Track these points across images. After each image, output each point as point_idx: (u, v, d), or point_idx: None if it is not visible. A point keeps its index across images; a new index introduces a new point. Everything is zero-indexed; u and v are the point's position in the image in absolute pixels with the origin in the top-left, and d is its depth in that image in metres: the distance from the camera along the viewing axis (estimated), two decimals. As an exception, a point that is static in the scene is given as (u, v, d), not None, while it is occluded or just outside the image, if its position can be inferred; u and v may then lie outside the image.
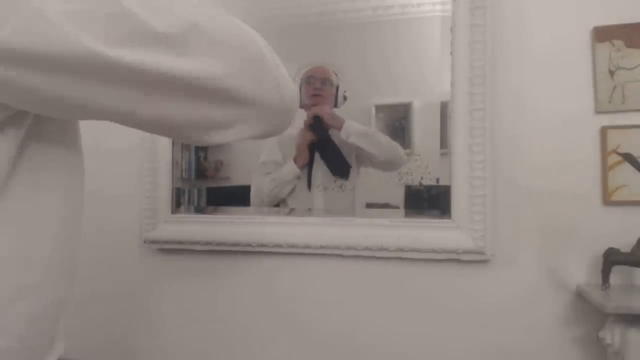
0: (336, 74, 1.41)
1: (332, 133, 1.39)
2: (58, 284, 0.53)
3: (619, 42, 1.14)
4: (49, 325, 0.53)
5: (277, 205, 1.42)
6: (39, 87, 0.40)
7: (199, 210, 1.47)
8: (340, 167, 1.39)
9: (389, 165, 1.37)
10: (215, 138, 0.51)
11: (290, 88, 0.59)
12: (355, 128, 1.36)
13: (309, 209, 1.39)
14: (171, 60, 0.43)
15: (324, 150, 1.40)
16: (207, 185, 1.51)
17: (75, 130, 0.55)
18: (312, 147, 1.40)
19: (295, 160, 1.40)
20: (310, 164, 1.40)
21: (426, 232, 1.21)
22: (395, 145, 1.34)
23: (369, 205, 1.39)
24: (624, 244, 1.08)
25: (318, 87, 1.40)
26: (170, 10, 0.43)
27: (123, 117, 0.47)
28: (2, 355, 0.47)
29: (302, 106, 1.40)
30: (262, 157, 1.45)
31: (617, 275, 1.10)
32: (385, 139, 1.35)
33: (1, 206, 0.45)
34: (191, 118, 0.48)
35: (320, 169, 1.41)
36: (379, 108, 1.38)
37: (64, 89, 0.41)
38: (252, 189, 1.44)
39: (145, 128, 0.50)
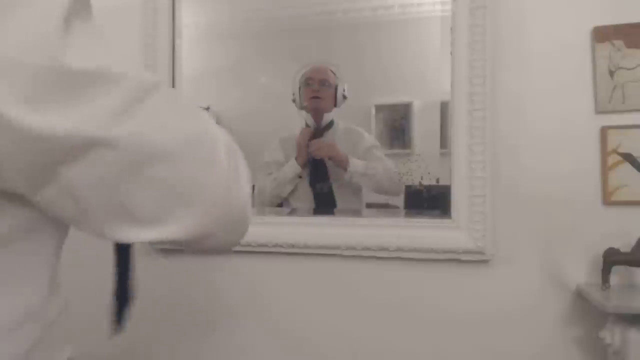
0: (335, 74, 1.41)
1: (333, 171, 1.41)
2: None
3: (619, 42, 1.14)
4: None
5: (280, 205, 1.43)
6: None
7: (199, 210, 1.47)
8: (319, 180, 1.40)
9: (383, 193, 1.39)
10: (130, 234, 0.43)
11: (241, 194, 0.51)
12: (358, 168, 1.37)
13: (312, 208, 1.39)
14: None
15: (314, 168, 1.41)
16: (207, 185, 1.50)
17: None
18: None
19: (296, 159, 1.41)
20: (313, 165, 1.41)
21: (426, 232, 1.21)
22: (396, 182, 1.34)
23: (369, 205, 1.39)
24: (624, 244, 1.08)
25: (316, 88, 1.40)
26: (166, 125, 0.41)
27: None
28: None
29: (302, 107, 1.41)
30: (264, 158, 1.45)
31: (617, 275, 1.10)
32: (385, 177, 1.36)
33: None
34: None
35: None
36: (379, 108, 1.39)
37: None
38: (255, 189, 1.44)
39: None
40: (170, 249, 1.38)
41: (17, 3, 0.34)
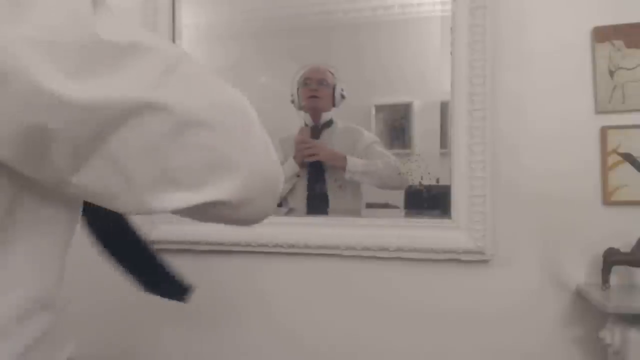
0: (333, 74, 1.41)
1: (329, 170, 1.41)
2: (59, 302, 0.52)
3: (619, 42, 1.14)
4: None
5: (280, 204, 1.43)
6: None
7: (199, 210, 1.47)
8: (316, 189, 1.40)
9: (389, 189, 1.38)
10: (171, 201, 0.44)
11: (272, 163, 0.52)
12: (357, 166, 1.37)
13: (305, 209, 1.39)
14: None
15: (311, 169, 1.41)
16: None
17: None
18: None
19: (295, 158, 1.41)
20: (312, 167, 1.41)
21: (426, 232, 1.21)
22: (397, 176, 1.35)
23: (369, 205, 1.39)
24: (624, 244, 1.08)
25: (314, 88, 1.41)
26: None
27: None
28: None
29: (299, 108, 1.41)
30: None
31: (617, 275, 1.11)
32: (386, 172, 1.36)
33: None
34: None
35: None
36: (379, 108, 1.39)
37: None
38: None
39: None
40: (171, 249, 1.38)
41: None
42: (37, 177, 0.40)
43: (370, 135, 1.38)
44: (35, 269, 0.47)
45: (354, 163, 1.37)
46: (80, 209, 0.53)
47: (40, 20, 0.34)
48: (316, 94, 1.40)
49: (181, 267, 1.48)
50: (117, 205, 0.43)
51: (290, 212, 1.40)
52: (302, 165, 1.40)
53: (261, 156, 0.48)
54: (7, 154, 0.36)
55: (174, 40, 1.40)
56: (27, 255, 0.45)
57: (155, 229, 1.38)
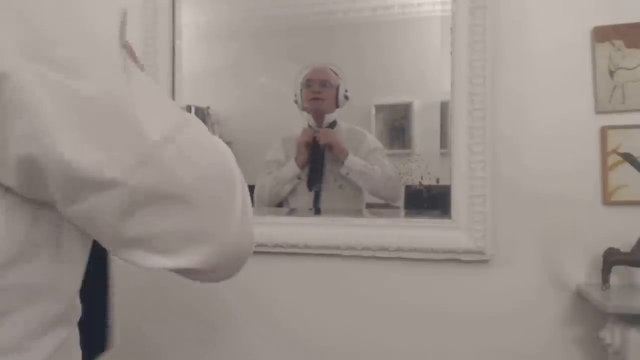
0: (337, 74, 1.40)
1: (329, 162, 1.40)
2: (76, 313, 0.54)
3: (619, 42, 1.14)
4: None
5: (280, 205, 1.43)
6: None
7: (199, 210, 1.47)
8: (314, 182, 1.40)
9: (379, 197, 1.39)
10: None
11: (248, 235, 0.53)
12: (357, 165, 1.37)
13: (310, 208, 1.39)
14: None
15: (312, 169, 1.41)
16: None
17: None
18: (313, 148, 1.40)
19: (296, 159, 1.40)
20: (313, 166, 1.41)
21: (426, 232, 1.21)
22: (393, 189, 1.35)
23: (369, 205, 1.39)
24: (624, 244, 1.08)
25: (317, 90, 1.40)
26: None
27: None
28: None
29: (304, 109, 1.41)
30: (266, 157, 1.45)
31: (617, 275, 1.11)
32: (382, 180, 1.36)
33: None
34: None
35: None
36: (379, 108, 1.39)
37: None
38: (256, 188, 1.44)
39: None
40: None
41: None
42: (43, 199, 0.42)
43: (374, 141, 1.38)
44: (55, 285, 0.49)
45: (354, 161, 1.37)
46: None
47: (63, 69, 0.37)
48: (319, 96, 1.40)
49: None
50: (102, 244, 0.46)
51: (292, 212, 1.40)
52: (303, 167, 1.40)
53: (236, 228, 0.49)
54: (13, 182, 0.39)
55: (174, 40, 1.40)
56: (48, 272, 0.47)
57: (155, 229, 1.38)
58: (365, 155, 1.38)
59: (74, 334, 0.55)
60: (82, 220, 0.43)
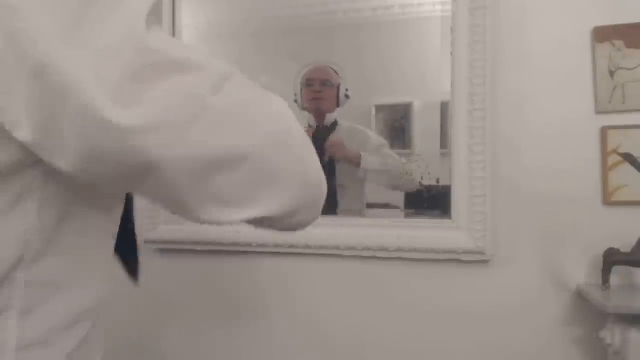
0: (337, 72, 1.40)
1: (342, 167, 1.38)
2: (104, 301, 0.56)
3: (619, 42, 1.14)
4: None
5: None
6: None
7: (199, 210, 1.47)
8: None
9: (399, 190, 1.36)
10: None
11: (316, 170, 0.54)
12: (373, 165, 1.35)
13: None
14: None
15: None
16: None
17: None
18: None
19: None
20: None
21: (426, 232, 1.21)
22: (408, 178, 1.33)
23: (369, 205, 1.39)
24: (624, 244, 1.08)
25: (317, 89, 1.39)
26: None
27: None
28: None
29: (304, 108, 1.40)
30: None
31: (617, 275, 1.11)
32: (398, 173, 1.34)
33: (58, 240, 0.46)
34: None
35: None
36: (379, 108, 1.38)
37: None
38: None
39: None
40: (171, 249, 1.38)
41: (108, 6, 0.38)
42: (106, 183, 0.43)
43: (377, 137, 1.37)
44: (81, 279, 0.50)
45: (369, 161, 1.35)
46: (119, 218, 0.56)
47: (98, 44, 0.36)
48: (320, 95, 1.39)
49: (181, 267, 1.49)
50: (176, 213, 0.47)
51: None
52: None
53: (303, 169, 0.50)
54: (72, 167, 0.39)
55: (174, 40, 1.40)
56: (74, 265, 0.49)
57: (155, 229, 1.38)
58: (373, 152, 1.37)
59: (99, 328, 0.56)
60: (151, 194, 0.44)
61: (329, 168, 1.39)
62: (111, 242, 0.54)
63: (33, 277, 0.45)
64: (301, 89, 1.40)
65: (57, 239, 0.46)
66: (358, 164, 1.35)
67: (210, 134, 0.41)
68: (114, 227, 0.55)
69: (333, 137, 1.38)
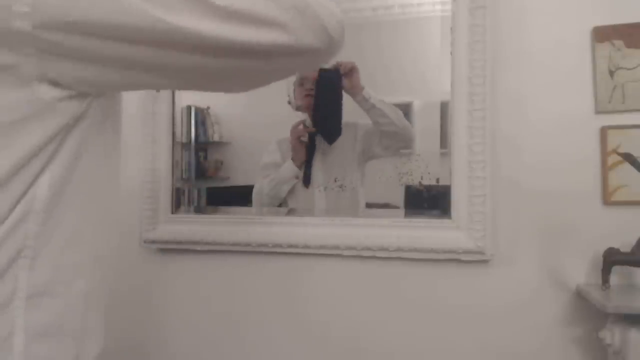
0: None
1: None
2: (102, 265, 0.62)
3: (619, 42, 1.14)
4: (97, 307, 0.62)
5: (280, 205, 1.42)
6: (117, 54, 0.48)
7: (199, 210, 1.47)
8: (331, 132, 1.37)
9: (402, 138, 1.34)
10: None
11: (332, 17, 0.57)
12: (375, 98, 1.33)
13: (309, 209, 1.39)
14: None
15: (323, 110, 1.37)
16: (207, 185, 1.50)
17: (117, 115, 0.62)
18: (309, 146, 1.40)
19: (293, 159, 1.40)
20: (309, 163, 1.40)
21: (426, 232, 1.21)
22: (404, 125, 1.33)
23: (369, 205, 1.39)
24: (624, 244, 1.08)
25: (310, 87, 1.39)
26: None
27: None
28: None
29: (296, 108, 1.40)
30: (263, 159, 1.45)
31: (617, 275, 1.10)
32: (397, 115, 1.33)
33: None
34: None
35: (320, 169, 1.40)
36: (379, 108, 1.38)
37: (137, 54, 0.48)
38: (254, 191, 1.43)
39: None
40: (171, 249, 1.38)
41: None
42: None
43: (364, 122, 1.37)
44: (83, 233, 0.56)
45: (371, 94, 1.33)
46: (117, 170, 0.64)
47: None
48: (312, 92, 1.39)
49: (181, 267, 1.49)
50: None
51: (291, 212, 1.40)
52: (300, 166, 1.40)
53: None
54: None
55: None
56: (79, 219, 0.55)
57: (155, 229, 1.38)
58: (365, 134, 1.37)
59: (99, 288, 0.63)
60: None
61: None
62: (110, 198, 0.60)
63: (43, 229, 0.50)
64: (294, 90, 1.40)
65: (65, 189, 0.52)
66: (360, 93, 1.32)
67: None
68: (114, 181, 0.62)
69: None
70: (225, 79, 0.57)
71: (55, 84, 0.48)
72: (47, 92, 0.48)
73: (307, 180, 1.40)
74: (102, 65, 0.49)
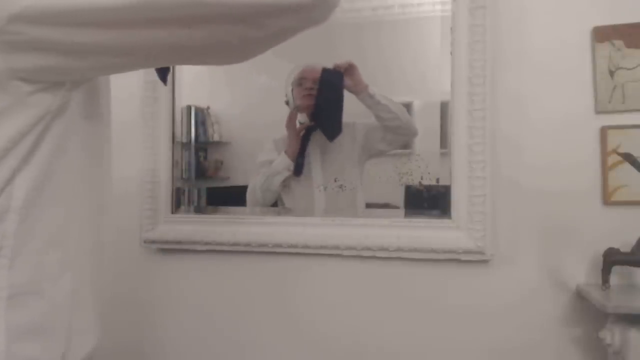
0: None
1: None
2: (90, 259, 0.61)
3: (619, 42, 1.14)
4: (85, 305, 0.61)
5: (275, 204, 1.42)
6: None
7: (199, 210, 1.47)
8: (333, 129, 1.36)
9: (406, 132, 1.34)
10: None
11: None
12: (379, 95, 1.32)
13: (309, 209, 1.39)
14: None
15: (326, 108, 1.36)
16: (207, 185, 1.50)
17: (103, 109, 0.62)
18: (304, 138, 1.39)
19: (286, 152, 1.39)
20: (301, 154, 1.39)
21: (426, 232, 1.21)
22: (408, 119, 1.33)
23: (369, 205, 1.39)
24: (624, 244, 1.08)
25: (309, 86, 1.38)
26: None
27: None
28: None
29: (294, 108, 1.39)
30: (259, 158, 1.44)
31: (617, 275, 1.10)
32: (401, 110, 1.33)
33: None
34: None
35: (319, 169, 1.40)
36: (379, 108, 1.38)
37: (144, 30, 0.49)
38: (248, 189, 1.43)
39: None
40: (171, 249, 1.38)
41: None
42: None
43: (362, 122, 1.37)
44: (68, 231, 0.55)
45: (376, 91, 1.33)
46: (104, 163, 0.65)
47: None
48: (312, 92, 1.38)
49: (181, 267, 1.49)
50: None
51: (289, 212, 1.40)
52: (294, 159, 1.39)
53: None
54: None
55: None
56: (62, 214, 0.55)
57: (155, 229, 1.38)
58: (366, 134, 1.37)
59: (87, 284, 0.61)
60: None
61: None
62: (96, 195, 0.62)
63: (22, 228, 0.49)
64: (292, 90, 1.39)
65: (47, 186, 0.51)
66: (365, 89, 1.32)
67: None
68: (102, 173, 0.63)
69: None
70: (224, 49, 0.57)
71: (23, 79, 0.47)
72: (18, 87, 0.47)
73: (298, 171, 1.39)
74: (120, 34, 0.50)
